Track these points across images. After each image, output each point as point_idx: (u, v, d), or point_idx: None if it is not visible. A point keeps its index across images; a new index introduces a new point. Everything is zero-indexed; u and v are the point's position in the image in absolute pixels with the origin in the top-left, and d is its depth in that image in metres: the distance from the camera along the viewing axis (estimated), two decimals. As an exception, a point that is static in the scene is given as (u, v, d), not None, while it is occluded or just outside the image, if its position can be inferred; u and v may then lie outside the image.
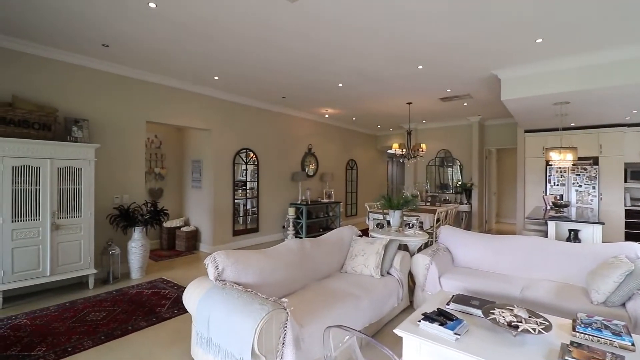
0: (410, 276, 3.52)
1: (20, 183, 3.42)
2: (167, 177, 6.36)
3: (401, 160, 7.28)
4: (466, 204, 8.05)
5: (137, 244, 4.32)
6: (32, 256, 3.49)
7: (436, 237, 3.91)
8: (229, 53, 3.99)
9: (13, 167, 3.37)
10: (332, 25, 3.24)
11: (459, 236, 3.79)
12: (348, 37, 3.49)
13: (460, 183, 8.33)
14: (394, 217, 3.81)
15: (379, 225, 3.89)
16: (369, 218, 6.18)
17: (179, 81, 5.15)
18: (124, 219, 4.26)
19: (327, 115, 7.79)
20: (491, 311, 2.12)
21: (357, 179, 9.75)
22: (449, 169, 8.81)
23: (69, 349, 2.54)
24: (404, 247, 3.82)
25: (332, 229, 8.04)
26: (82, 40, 3.66)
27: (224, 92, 5.80)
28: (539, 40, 3.59)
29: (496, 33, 3.40)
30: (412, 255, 3.54)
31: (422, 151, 6.29)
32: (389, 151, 12.10)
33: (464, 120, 8.19)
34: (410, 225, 3.93)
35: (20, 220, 3.42)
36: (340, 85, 5.27)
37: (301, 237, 7.07)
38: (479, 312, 2.18)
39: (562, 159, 4.93)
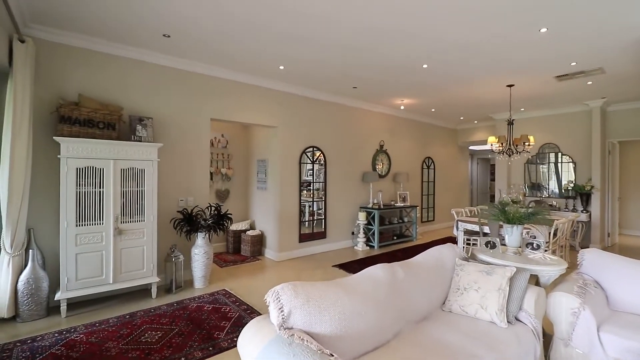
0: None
1: (84, 185, 3.26)
2: (233, 178, 6.11)
3: (498, 158, 6.00)
4: (583, 211, 6.37)
5: (200, 251, 3.99)
6: (95, 263, 3.31)
7: (578, 265, 2.80)
8: (295, 38, 3.39)
9: (77, 169, 3.21)
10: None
11: (616, 265, 2.62)
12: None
13: (573, 185, 6.65)
14: (512, 234, 2.80)
15: (489, 245, 2.92)
16: (457, 228, 5.12)
17: (243, 74, 4.75)
18: (188, 223, 3.97)
19: (402, 107, 6.84)
20: None
21: (434, 179, 8.57)
22: (542, 166, 7.18)
23: (115, 384, 2.15)
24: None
25: (407, 236, 7.08)
26: (143, 31, 3.39)
27: (290, 84, 5.28)
28: None
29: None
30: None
31: (529, 145, 4.99)
32: (471, 147, 10.61)
33: (580, 106, 6.51)
34: (534, 245, 2.87)
35: (84, 225, 3.25)
36: (425, 66, 4.33)
37: (372, 246, 6.27)
38: None
39: None
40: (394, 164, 7.40)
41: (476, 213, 6.40)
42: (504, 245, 3.05)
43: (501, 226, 4.28)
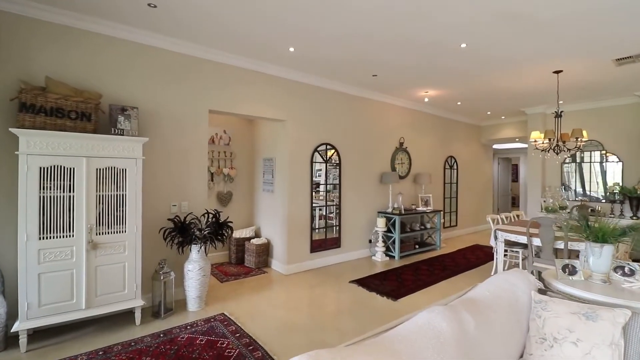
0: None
1: (50, 189, 2.64)
2: (236, 179, 5.47)
3: (542, 156, 5.27)
4: (632, 217, 5.58)
5: (195, 267, 3.35)
6: (63, 284, 2.69)
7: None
8: (308, 14, 2.74)
9: (41, 168, 2.59)
10: None
11: None
12: None
13: (620, 187, 5.87)
14: (601, 256, 2.10)
15: (567, 269, 2.21)
16: (496, 238, 4.39)
17: (247, 59, 4.11)
18: (180, 233, 3.33)
19: (426, 99, 6.12)
20: None
21: (457, 180, 7.82)
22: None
23: None
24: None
25: (430, 244, 6.33)
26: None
27: (301, 72, 4.62)
28: None
29: None
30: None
31: (582, 141, 4.25)
32: (495, 146, 9.86)
33: (629, 98, 5.71)
34: (627, 270, 2.16)
35: (49, 237, 2.64)
36: (463, 45, 3.63)
37: (393, 256, 5.57)
38: None
39: None
40: (415, 164, 6.68)
41: (512, 220, 5.66)
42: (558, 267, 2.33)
43: (556, 238, 3.56)
